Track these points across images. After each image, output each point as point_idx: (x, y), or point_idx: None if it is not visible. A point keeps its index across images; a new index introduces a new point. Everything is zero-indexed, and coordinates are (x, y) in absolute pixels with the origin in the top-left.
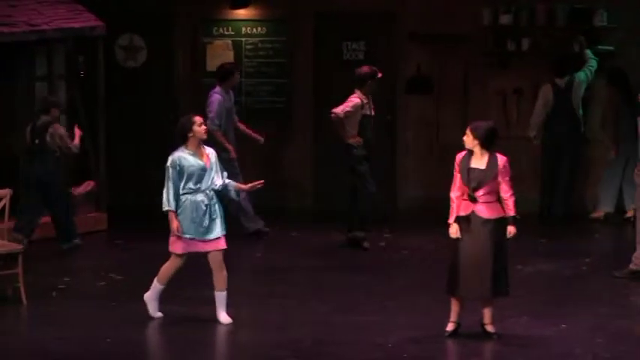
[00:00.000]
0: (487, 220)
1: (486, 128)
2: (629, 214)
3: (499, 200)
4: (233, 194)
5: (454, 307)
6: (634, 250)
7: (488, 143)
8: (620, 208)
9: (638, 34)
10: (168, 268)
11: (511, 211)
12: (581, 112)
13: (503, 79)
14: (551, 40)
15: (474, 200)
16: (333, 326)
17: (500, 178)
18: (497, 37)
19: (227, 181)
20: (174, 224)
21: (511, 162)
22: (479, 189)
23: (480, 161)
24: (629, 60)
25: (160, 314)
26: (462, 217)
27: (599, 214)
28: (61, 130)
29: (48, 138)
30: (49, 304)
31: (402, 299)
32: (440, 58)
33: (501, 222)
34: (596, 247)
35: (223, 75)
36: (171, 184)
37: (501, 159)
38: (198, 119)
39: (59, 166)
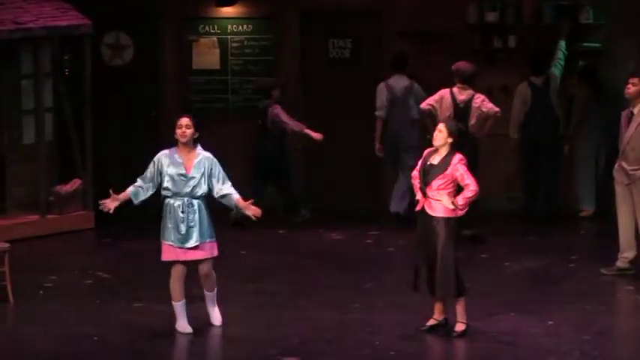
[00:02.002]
0: (432, 218)
1: (460, 129)
2: None
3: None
4: (233, 207)
5: (435, 303)
6: None
7: (456, 143)
8: (602, 204)
9: (623, 31)
10: (171, 284)
11: (461, 196)
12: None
13: (489, 76)
14: (537, 37)
15: (425, 195)
16: (321, 324)
17: (454, 173)
18: (484, 35)
19: (228, 191)
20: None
21: (498, 159)
22: (429, 184)
23: (438, 158)
24: (615, 57)
25: (190, 329)
26: (418, 212)
27: (587, 212)
28: (277, 109)
29: (268, 119)
30: (36, 302)
31: (390, 297)
32: (426, 55)
33: (447, 222)
34: (583, 244)
35: (398, 62)
36: (144, 175)
37: (457, 156)
38: (182, 121)
39: (281, 145)
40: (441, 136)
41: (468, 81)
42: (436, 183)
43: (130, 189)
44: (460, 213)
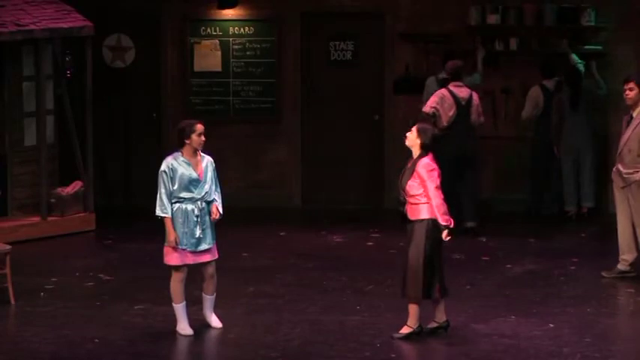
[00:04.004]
0: (410, 222)
1: (433, 133)
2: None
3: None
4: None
5: (436, 306)
6: None
7: (428, 147)
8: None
9: (625, 33)
10: (173, 286)
11: (436, 216)
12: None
13: (491, 78)
14: (539, 39)
15: (405, 201)
16: (322, 326)
17: (418, 181)
18: (485, 37)
19: (216, 198)
20: (172, 235)
21: (500, 161)
22: (403, 189)
23: (412, 161)
24: (617, 59)
25: (191, 331)
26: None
27: (570, 212)
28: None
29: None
30: (37, 304)
31: (391, 299)
32: (428, 58)
33: (420, 223)
34: (584, 246)
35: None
36: (164, 190)
37: (421, 161)
38: (199, 127)
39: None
40: (410, 136)
41: (461, 77)
42: (410, 186)
43: (169, 217)
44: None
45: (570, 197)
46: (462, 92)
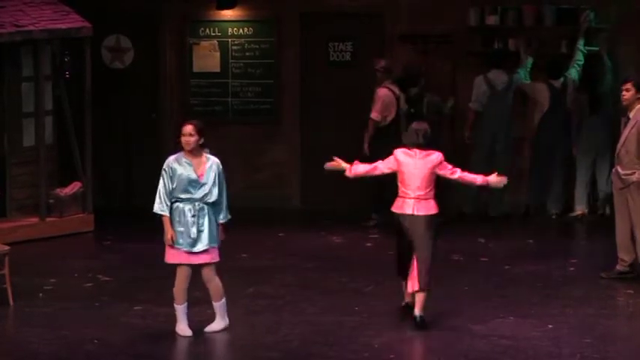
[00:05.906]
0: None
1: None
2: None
3: None
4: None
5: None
6: None
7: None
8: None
9: (625, 34)
10: (176, 285)
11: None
12: None
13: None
14: (539, 40)
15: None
16: (321, 327)
17: None
18: (484, 38)
19: (221, 217)
20: (168, 232)
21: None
22: None
23: None
24: (616, 59)
25: (190, 332)
26: None
27: (580, 213)
28: (436, 97)
29: (424, 106)
30: (36, 305)
31: (390, 300)
32: (427, 58)
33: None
34: (584, 247)
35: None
36: (163, 189)
37: None
38: (186, 128)
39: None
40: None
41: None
42: None
43: (167, 215)
44: None
45: (581, 198)
46: (397, 90)
